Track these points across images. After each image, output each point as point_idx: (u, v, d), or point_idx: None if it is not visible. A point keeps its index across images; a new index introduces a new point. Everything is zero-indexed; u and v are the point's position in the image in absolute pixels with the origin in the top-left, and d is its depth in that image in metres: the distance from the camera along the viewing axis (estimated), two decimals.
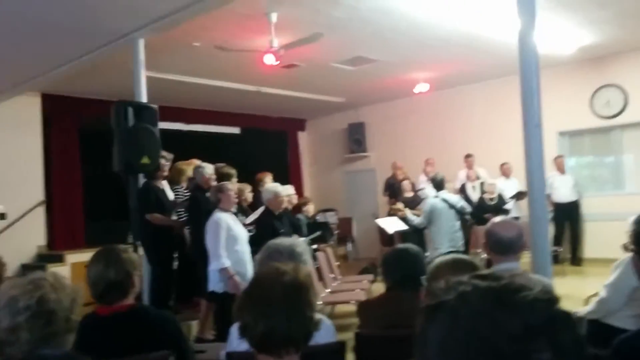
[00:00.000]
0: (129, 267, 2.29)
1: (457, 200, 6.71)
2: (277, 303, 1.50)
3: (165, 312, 2.46)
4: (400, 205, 8.02)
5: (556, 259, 6.96)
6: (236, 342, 2.22)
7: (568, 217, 8.58)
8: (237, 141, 11.30)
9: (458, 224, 6.48)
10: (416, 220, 6.94)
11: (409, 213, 7.40)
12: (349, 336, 2.54)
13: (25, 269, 7.76)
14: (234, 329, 2.31)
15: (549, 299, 0.65)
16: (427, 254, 6.50)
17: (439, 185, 6.63)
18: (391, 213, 8.39)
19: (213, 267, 4.67)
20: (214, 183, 5.52)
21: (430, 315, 0.68)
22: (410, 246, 2.50)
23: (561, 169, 8.64)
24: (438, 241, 6.37)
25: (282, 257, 2.37)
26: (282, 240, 2.54)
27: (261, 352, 1.51)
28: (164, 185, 5.93)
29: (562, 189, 8.51)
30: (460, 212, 6.53)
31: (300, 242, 2.58)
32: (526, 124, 3.50)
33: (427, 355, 0.67)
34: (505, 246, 2.32)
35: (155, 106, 4.96)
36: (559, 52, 7.88)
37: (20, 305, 1.38)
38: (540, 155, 3.44)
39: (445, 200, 6.45)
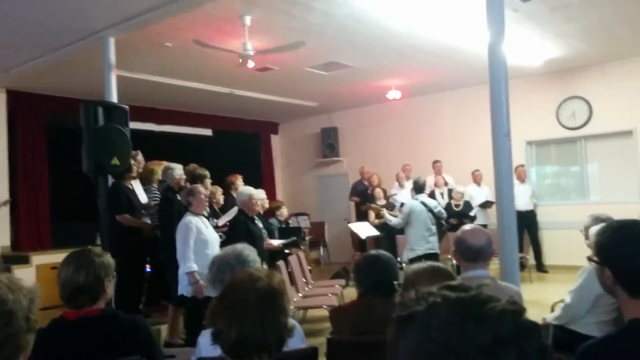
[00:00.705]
0: (100, 272, 2.24)
1: (435, 204, 6.87)
2: (250, 309, 1.50)
3: (136, 316, 2.42)
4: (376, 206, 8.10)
5: (522, 266, 7.11)
6: (205, 348, 2.21)
7: (525, 225, 8.77)
8: (209, 143, 11.19)
9: (434, 227, 6.63)
10: (394, 220, 7.05)
11: (386, 213, 7.50)
12: (321, 341, 2.55)
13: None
14: (202, 338, 2.29)
15: (516, 310, 0.67)
16: (398, 259, 6.58)
17: (420, 188, 6.80)
18: (368, 211, 8.46)
19: (182, 271, 4.63)
20: (185, 184, 5.48)
21: (401, 326, 0.69)
22: (382, 252, 2.52)
23: (521, 178, 8.84)
24: (414, 243, 6.51)
25: (232, 267, 2.37)
26: (226, 251, 2.53)
27: (234, 358, 1.51)
28: (135, 185, 5.84)
29: (520, 198, 8.66)
30: (437, 217, 6.67)
31: (243, 245, 2.57)
32: (495, 133, 3.60)
33: None
34: (474, 254, 2.36)
35: (126, 106, 4.89)
36: (526, 63, 8.09)
37: None
38: (509, 164, 3.53)
39: (424, 204, 6.59)
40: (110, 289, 2.36)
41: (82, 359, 2.13)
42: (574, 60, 8.30)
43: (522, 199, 8.68)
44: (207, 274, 2.49)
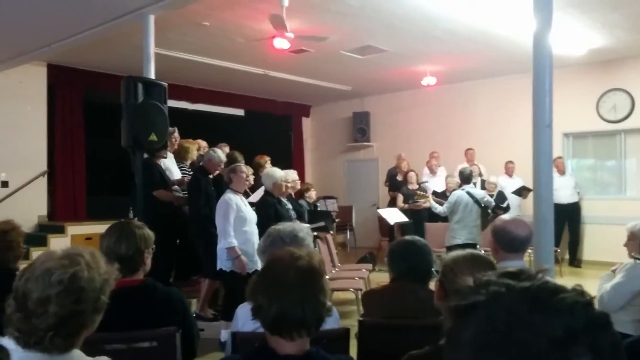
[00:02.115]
0: (140, 244, 2.31)
1: (483, 195, 6.90)
2: (291, 287, 1.52)
3: (173, 289, 2.48)
4: (423, 192, 8.06)
5: (555, 259, 7.02)
6: (243, 320, 2.25)
7: (567, 218, 8.61)
8: (240, 123, 11.28)
9: (479, 219, 6.69)
10: (439, 208, 7.07)
11: (432, 200, 7.49)
12: (347, 323, 2.57)
13: (26, 238, 7.77)
14: (241, 310, 2.34)
15: (588, 302, 0.64)
16: None
17: (466, 179, 6.87)
18: (415, 198, 8.43)
19: (221, 246, 4.71)
20: (220, 169, 5.54)
21: (462, 317, 0.66)
22: (418, 238, 2.51)
23: (561, 170, 8.66)
24: (456, 232, 6.58)
25: (285, 244, 2.40)
26: (284, 226, 2.55)
27: (274, 334, 1.53)
28: (169, 162, 5.93)
29: (562, 190, 8.52)
30: (484, 207, 6.71)
31: (302, 227, 2.60)
32: (536, 123, 3.52)
33: (459, 358, 0.65)
34: (518, 244, 2.33)
35: (164, 83, 4.95)
36: (568, 53, 7.85)
37: (53, 279, 1.39)
38: (549, 156, 3.47)
39: (470, 194, 6.61)
40: (149, 260, 2.43)
41: (122, 327, 2.20)
42: (618, 51, 8.03)
43: (565, 191, 8.51)
44: (259, 243, 2.52)
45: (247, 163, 6.65)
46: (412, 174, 8.63)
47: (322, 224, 6.29)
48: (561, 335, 0.60)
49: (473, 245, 6.34)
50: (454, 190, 7.00)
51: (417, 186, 8.47)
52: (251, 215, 4.84)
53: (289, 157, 12.01)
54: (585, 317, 0.62)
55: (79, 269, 1.41)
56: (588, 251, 8.69)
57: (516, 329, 0.61)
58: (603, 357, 0.61)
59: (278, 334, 1.52)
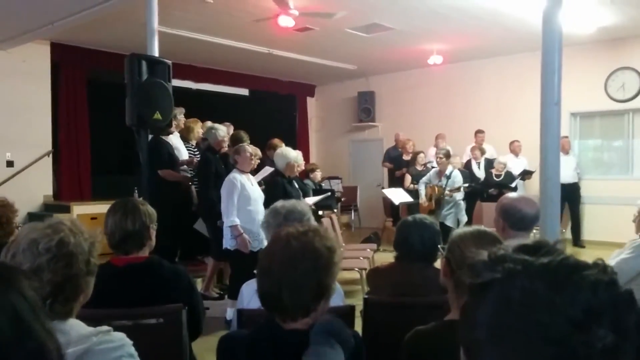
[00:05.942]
0: (145, 219, 2.31)
1: None
2: (277, 266, 1.46)
3: (179, 266, 2.49)
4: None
5: None
6: (247, 297, 2.26)
7: (567, 198, 8.54)
8: (245, 103, 11.22)
9: None
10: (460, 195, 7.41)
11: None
12: (351, 302, 2.57)
13: (32, 217, 7.82)
14: (246, 288, 2.34)
15: (611, 280, 0.60)
16: None
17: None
18: (405, 176, 8.56)
19: (225, 225, 4.72)
20: (226, 145, 5.53)
21: (477, 296, 0.64)
22: (426, 217, 2.50)
23: (565, 150, 8.57)
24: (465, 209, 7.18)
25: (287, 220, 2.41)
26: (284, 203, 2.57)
27: (269, 311, 1.51)
28: (176, 140, 5.93)
29: (564, 170, 8.39)
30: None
31: (302, 203, 2.62)
32: (544, 101, 3.47)
33: (475, 338, 0.63)
34: (529, 222, 2.31)
35: (168, 61, 4.89)
36: (577, 31, 7.72)
37: (40, 248, 1.40)
38: (556, 134, 3.43)
39: None
40: (154, 236, 2.43)
41: (128, 304, 2.20)
42: (628, 29, 7.89)
43: (566, 172, 8.39)
44: (264, 219, 2.54)
45: (253, 143, 6.66)
46: (422, 155, 8.58)
47: (328, 193, 6.45)
48: (582, 316, 0.57)
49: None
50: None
51: (422, 168, 8.43)
52: (256, 194, 4.83)
53: (294, 137, 11.96)
54: (608, 297, 0.58)
55: (63, 236, 1.42)
56: (592, 231, 8.66)
57: (534, 309, 0.58)
58: (628, 338, 0.58)
59: (271, 312, 1.49)
